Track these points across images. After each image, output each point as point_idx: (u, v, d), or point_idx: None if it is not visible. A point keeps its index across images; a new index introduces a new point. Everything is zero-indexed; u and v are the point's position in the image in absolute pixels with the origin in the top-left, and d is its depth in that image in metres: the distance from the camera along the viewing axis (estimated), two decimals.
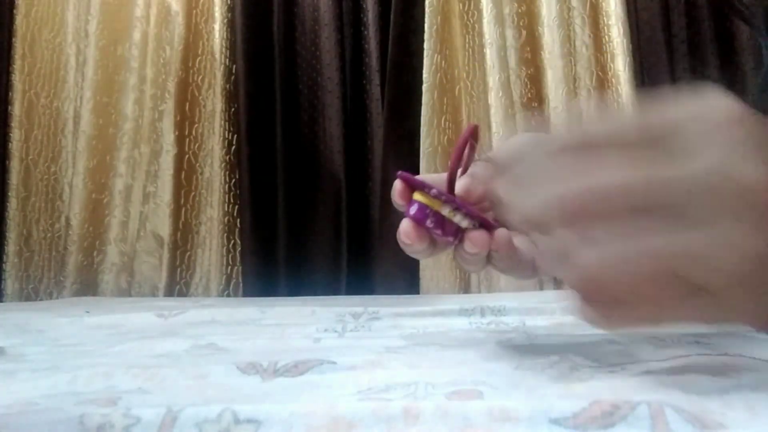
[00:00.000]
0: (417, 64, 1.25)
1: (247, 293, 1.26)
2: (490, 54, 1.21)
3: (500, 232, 0.34)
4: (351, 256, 1.28)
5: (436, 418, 0.21)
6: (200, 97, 1.36)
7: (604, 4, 1.22)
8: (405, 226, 0.34)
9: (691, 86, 0.24)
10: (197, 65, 1.36)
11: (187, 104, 1.35)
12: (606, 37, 1.21)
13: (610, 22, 1.20)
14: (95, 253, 1.33)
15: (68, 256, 1.31)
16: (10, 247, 1.34)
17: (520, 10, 1.24)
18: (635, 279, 0.23)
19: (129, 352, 0.42)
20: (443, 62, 1.25)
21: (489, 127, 1.19)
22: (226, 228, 1.30)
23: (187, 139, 1.35)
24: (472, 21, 1.26)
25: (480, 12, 1.25)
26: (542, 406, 0.21)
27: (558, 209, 0.24)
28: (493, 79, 1.20)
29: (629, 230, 0.23)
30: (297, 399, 0.26)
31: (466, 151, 0.35)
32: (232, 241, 1.30)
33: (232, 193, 1.31)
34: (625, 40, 1.18)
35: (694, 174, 0.22)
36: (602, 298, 0.24)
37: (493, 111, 1.19)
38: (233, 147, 1.33)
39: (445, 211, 0.33)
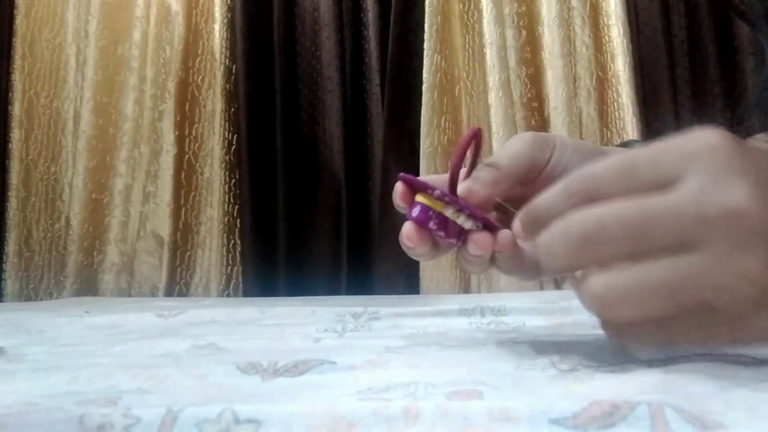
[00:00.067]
0: (417, 64, 1.25)
1: (247, 293, 1.26)
2: (490, 54, 1.21)
3: (504, 234, 0.33)
4: (351, 256, 1.28)
5: (436, 418, 0.21)
6: (200, 97, 1.36)
7: (604, 4, 1.22)
8: (407, 229, 0.33)
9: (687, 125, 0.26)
10: (197, 65, 1.37)
11: (187, 104, 1.35)
12: (606, 37, 1.21)
13: (610, 22, 1.20)
14: (95, 253, 1.33)
15: (68, 256, 1.31)
16: (10, 247, 1.34)
17: (520, 10, 1.24)
18: (640, 306, 0.25)
19: (129, 352, 0.42)
20: (443, 62, 1.25)
21: (489, 127, 1.19)
22: (226, 228, 1.30)
23: (187, 139, 1.35)
24: (472, 21, 1.26)
25: (480, 12, 1.25)
26: (542, 406, 0.21)
27: (564, 238, 0.26)
28: (493, 79, 1.20)
29: (633, 257, 0.25)
30: (297, 399, 0.26)
31: (469, 153, 0.35)
32: (232, 241, 1.30)
33: (232, 193, 1.32)
34: (625, 40, 1.18)
35: (678, 201, 0.24)
36: (614, 320, 0.27)
37: (493, 111, 1.19)
38: (233, 147, 1.33)
39: (449, 213, 0.32)
